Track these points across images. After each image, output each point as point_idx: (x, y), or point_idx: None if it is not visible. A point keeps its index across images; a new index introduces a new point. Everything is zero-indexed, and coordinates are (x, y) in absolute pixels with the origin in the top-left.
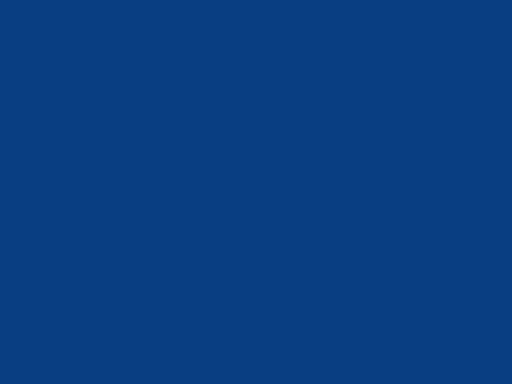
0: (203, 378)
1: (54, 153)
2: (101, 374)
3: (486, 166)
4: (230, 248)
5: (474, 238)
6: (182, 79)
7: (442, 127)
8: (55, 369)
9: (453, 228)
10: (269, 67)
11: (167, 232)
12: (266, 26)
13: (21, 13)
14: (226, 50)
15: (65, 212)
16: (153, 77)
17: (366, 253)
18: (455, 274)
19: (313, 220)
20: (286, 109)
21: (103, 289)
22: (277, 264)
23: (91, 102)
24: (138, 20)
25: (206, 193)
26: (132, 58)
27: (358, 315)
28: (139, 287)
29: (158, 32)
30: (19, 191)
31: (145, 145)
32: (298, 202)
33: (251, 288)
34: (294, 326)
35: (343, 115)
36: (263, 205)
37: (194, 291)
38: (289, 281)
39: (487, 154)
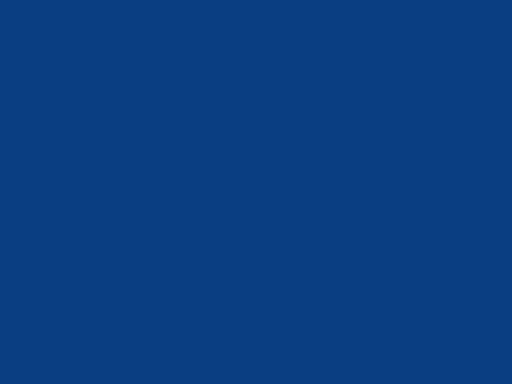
0: (203, 378)
1: (54, 153)
2: (101, 374)
3: (486, 165)
4: (229, 248)
5: (474, 238)
6: (182, 79)
7: (441, 127)
8: (55, 369)
9: (453, 228)
10: (269, 67)
11: (167, 232)
12: (266, 26)
13: (21, 13)
14: (226, 50)
15: (65, 212)
16: (153, 77)
17: (366, 253)
18: (455, 273)
19: (313, 220)
20: (286, 109)
21: (103, 289)
22: (277, 264)
23: (91, 102)
24: (138, 20)
25: (206, 193)
26: (132, 57)
27: (358, 315)
28: (139, 287)
29: (158, 32)
30: (19, 191)
31: (145, 145)
32: (298, 202)
33: (251, 288)
34: (294, 326)
35: (343, 115)
36: (263, 205)
37: (194, 291)
38: (289, 281)
39: (487, 153)
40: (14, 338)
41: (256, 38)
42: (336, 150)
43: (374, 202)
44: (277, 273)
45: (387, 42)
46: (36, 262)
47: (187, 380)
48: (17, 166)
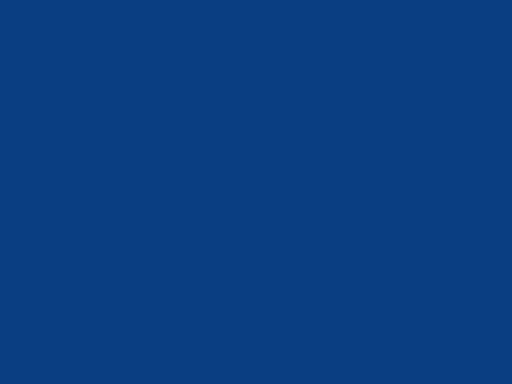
0: (203, 378)
1: (54, 152)
2: (101, 374)
3: (486, 165)
4: (230, 248)
5: (474, 238)
6: (182, 79)
7: (442, 127)
8: (55, 369)
9: (453, 228)
10: (269, 67)
11: (167, 232)
12: (266, 26)
13: (21, 13)
14: (226, 50)
15: (65, 212)
16: (153, 77)
17: (366, 253)
18: (455, 273)
19: (313, 220)
20: (286, 109)
21: (103, 288)
22: (277, 264)
23: (91, 102)
24: (138, 20)
25: (206, 193)
26: (132, 57)
27: (358, 315)
28: (139, 287)
29: (158, 32)
30: (19, 191)
31: (144, 144)
32: (298, 202)
33: (251, 288)
34: (294, 326)
35: (343, 115)
36: (263, 205)
37: (194, 291)
38: (289, 281)
39: (487, 153)
40: (14, 338)
41: (256, 38)
42: (336, 149)
43: (374, 201)
44: (277, 273)
45: (387, 42)
46: (36, 262)
47: (187, 380)
48: (17, 165)
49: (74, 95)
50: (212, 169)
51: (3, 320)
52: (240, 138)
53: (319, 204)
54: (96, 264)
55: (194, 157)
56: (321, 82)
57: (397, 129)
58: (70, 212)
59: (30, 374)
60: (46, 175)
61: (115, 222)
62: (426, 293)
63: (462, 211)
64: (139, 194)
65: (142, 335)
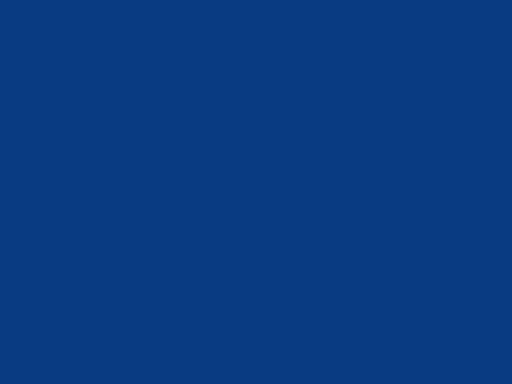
0: (203, 378)
1: (54, 153)
2: (101, 374)
3: (486, 166)
4: (230, 248)
5: (474, 238)
6: (182, 79)
7: (442, 127)
8: (55, 369)
9: (453, 228)
10: (269, 67)
11: (167, 232)
12: (266, 26)
13: (21, 13)
14: (226, 50)
15: (65, 212)
16: (153, 77)
17: (366, 253)
18: (455, 274)
19: (313, 220)
20: (286, 109)
21: (103, 288)
22: (277, 264)
23: (91, 102)
24: (138, 20)
25: (206, 193)
26: (132, 57)
27: (358, 315)
28: (139, 287)
29: (158, 32)
30: (19, 191)
31: (144, 144)
32: (298, 202)
33: (251, 288)
34: (294, 326)
35: (343, 115)
36: (263, 205)
37: (194, 291)
38: (289, 281)
39: (487, 154)
40: (14, 338)
41: (256, 38)
42: (336, 149)
43: (374, 201)
44: (277, 273)
45: (387, 42)
46: (36, 262)
47: (187, 380)
48: (17, 165)
49: (74, 95)
50: (212, 169)
51: (3, 320)
52: (240, 138)
53: (319, 204)
54: (96, 264)
55: (194, 157)
56: (321, 82)
57: (397, 129)
58: (70, 212)
59: (30, 374)
60: (46, 175)
61: (115, 221)
62: (426, 293)
63: (462, 211)
64: (139, 193)
65: (142, 335)
